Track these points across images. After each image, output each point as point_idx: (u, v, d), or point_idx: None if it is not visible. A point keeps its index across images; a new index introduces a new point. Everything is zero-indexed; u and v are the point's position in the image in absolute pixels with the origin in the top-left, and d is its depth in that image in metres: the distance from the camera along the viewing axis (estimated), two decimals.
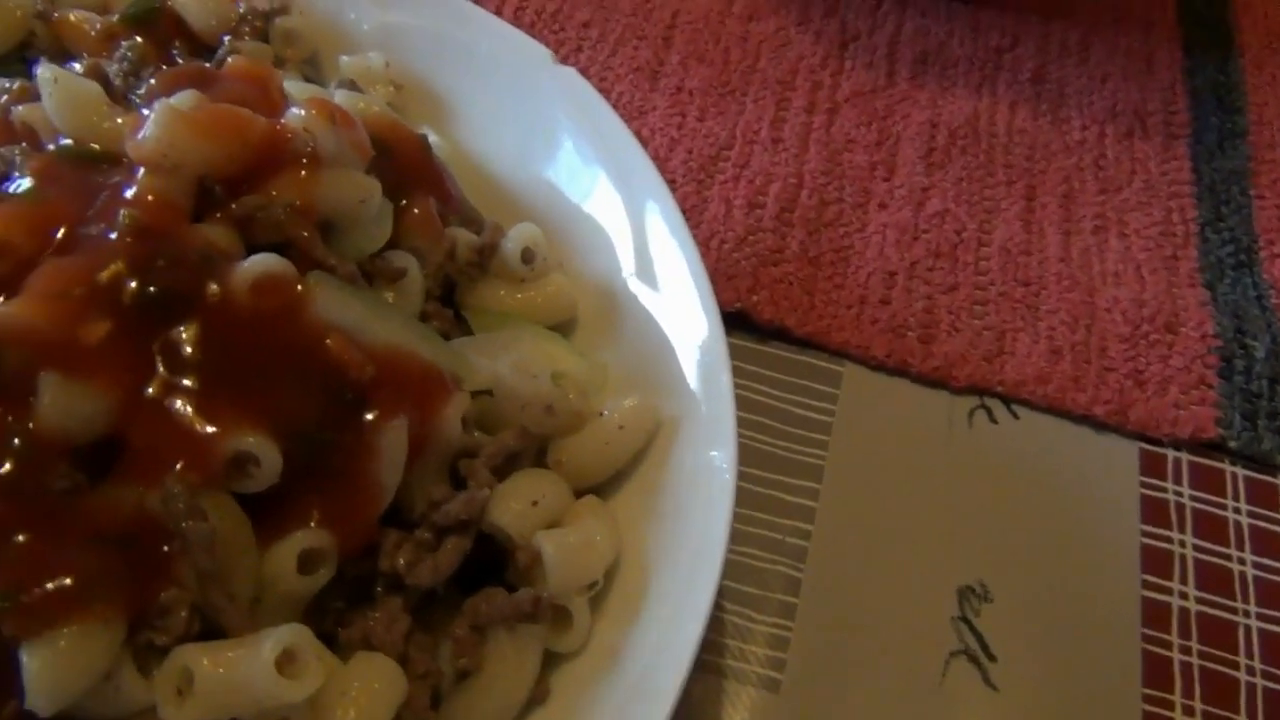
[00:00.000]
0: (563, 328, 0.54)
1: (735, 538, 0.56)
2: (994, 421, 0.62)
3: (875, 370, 0.64)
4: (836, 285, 0.66)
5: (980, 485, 0.60)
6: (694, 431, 0.47)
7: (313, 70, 0.63)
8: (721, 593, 0.55)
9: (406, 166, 0.54)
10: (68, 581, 0.36)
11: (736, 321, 0.64)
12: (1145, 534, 0.58)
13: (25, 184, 0.44)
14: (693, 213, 0.69)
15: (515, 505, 0.44)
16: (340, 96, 0.54)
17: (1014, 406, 0.63)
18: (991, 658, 0.53)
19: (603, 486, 0.48)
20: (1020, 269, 0.68)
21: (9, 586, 0.35)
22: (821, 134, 0.75)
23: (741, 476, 0.53)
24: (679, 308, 0.51)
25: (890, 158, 0.74)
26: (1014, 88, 0.79)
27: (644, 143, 0.60)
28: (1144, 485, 0.60)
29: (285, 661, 0.36)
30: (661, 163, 0.71)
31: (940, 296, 0.66)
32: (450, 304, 0.54)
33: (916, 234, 0.69)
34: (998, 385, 0.63)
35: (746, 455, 0.59)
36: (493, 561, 0.45)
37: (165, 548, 0.38)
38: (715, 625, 0.54)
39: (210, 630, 0.38)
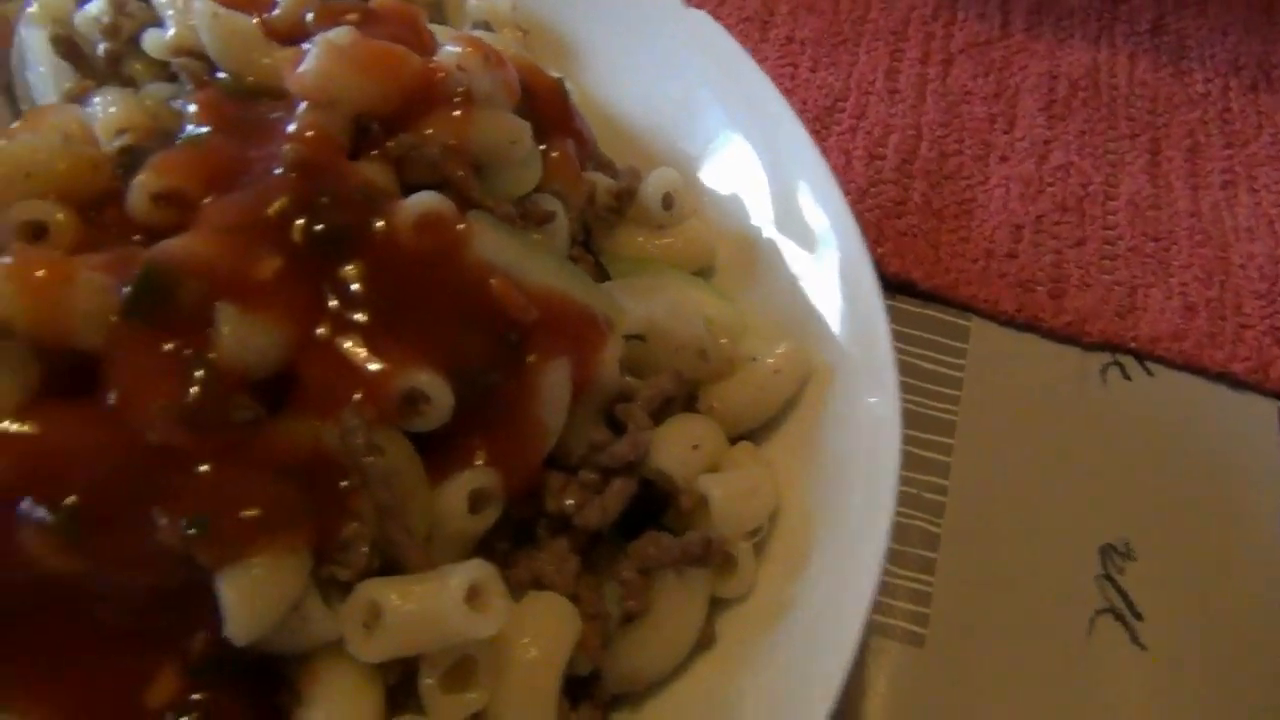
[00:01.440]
0: (700, 275, 0.53)
1: None
2: (1128, 378, 0.61)
3: (1004, 325, 0.63)
4: (961, 238, 0.65)
5: (1117, 442, 0.58)
6: (850, 378, 0.46)
7: (438, 15, 0.62)
8: None
9: (546, 110, 0.53)
10: (256, 511, 0.36)
11: None
12: None
13: (191, 127, 0.44)
14: None
15: (676, 449, 0.44)
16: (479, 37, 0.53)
17: (1148, 363, 0.61)
18: (1138, 616, 0.52)
19: (755, 434, 0.47)
20: (1149, 223, 0.66)
21: (200, 514, 0.35)
22: (938, 85, 0.73)
23: None
24: (825, 253, 0.50)
25: (1010, 109, 0.72)
26: (1132, 39, 0.77)
27: None
28: None
29: (470, 597, 0.36)
30: None
31: (1068, 250, 0.65)
32: (588, 250, 0.53)
33: (1041, 187, 0.68)
34: (1131, 341, 0.61)
35: None
36: (650, 508, 0.45)
37: (343, 483, 0.38)
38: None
39: (387, 567, 0.38)
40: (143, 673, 0.37)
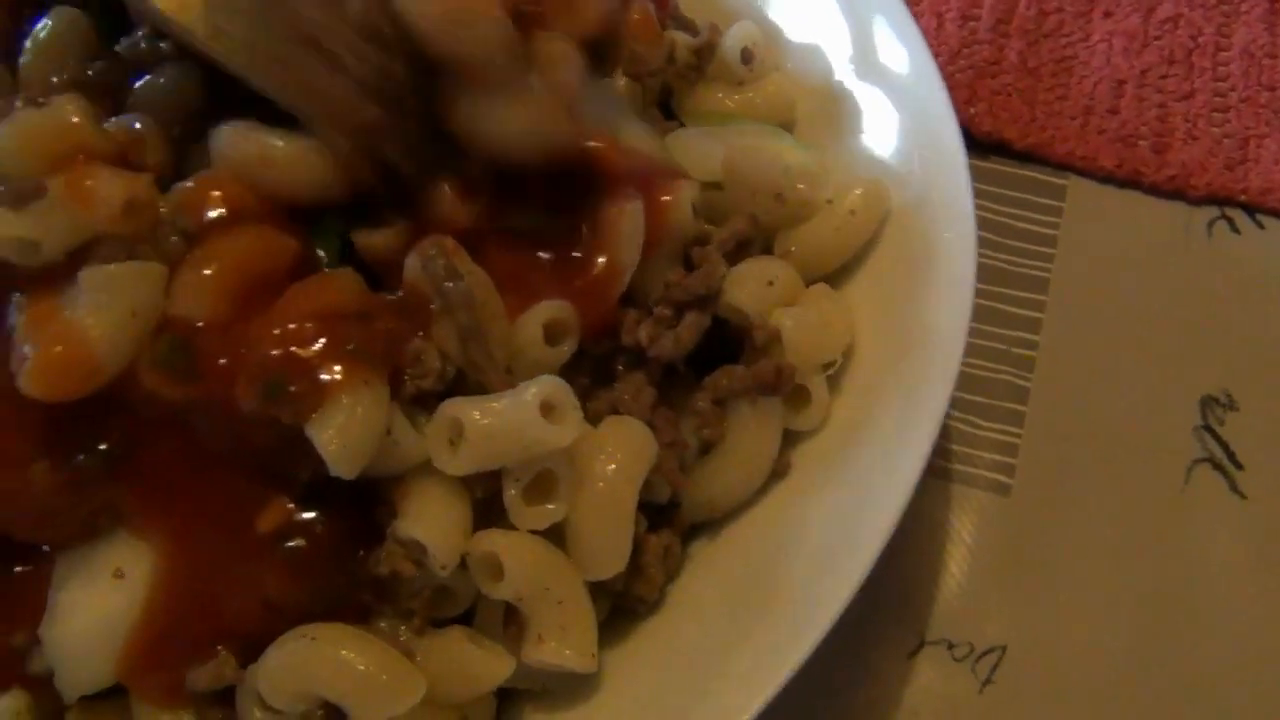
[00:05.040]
0: (784, 127, 0.52)
1: None
2: (1236, 231, 0.58)
3: (1103, 182, 0.61)
4: (1059, 96, 0.63)
5: (1222, 295, 0.56)
6: (927, 216, 0.46)
7: None
8: None
9: None
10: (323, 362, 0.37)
11: None
12: None
13: None
14: None
15: (750, 285, 0.44)
16: None
17: (1259, 216, 0.59)
18: (1238, 465, 0.51)
19: (833, 277, 0.47)
20: (1265, 73, 0.63)
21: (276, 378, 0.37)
22: None
23: None
24: (904, 99, 0.49)
25: None
26: None
27: None
28: None
29: (545, 412, 0.37)
30: None
31: (1174, 104, 0.62)
32: (669, 114, 0.54)
33: (1147, 41, 0.65)
34: (1241, 194, 0.59)
35: None
36: (727, 350, 0.45)
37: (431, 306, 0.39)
38: (940, 430, 0.53)
39: (473, 392, 0.39)
40: (254, 501, 0.39)
